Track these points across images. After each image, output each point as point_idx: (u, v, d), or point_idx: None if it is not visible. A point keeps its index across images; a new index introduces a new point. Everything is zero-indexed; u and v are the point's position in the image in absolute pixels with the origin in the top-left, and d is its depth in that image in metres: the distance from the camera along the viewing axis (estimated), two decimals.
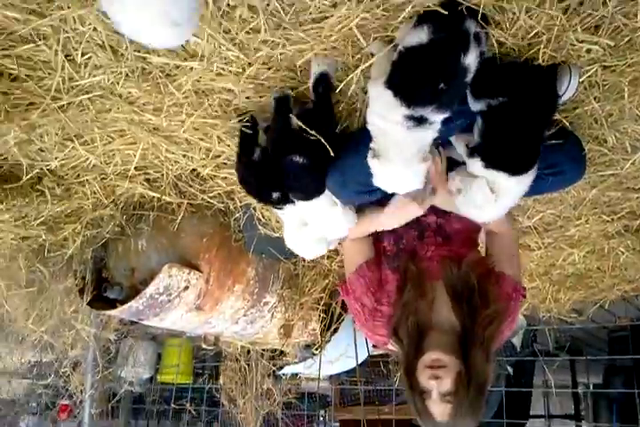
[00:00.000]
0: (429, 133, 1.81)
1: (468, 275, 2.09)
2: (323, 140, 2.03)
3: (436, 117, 1.76)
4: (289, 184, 2.25)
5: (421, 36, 1.66)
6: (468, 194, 1.99)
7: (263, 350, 4.32)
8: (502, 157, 1.89)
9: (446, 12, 1.62)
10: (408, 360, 2.00)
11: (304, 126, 2.03)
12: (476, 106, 1.88)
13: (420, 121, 1.75)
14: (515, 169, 1.89)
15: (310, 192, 2.25)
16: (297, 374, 4.68)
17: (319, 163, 2.13)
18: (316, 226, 2.39)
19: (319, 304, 3.58)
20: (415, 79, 1.71)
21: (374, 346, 3.82)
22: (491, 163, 1.90)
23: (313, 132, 2.02)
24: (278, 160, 2.17)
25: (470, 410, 1.91)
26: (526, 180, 1.92)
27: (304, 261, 3.42)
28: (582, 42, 1.75)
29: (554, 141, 1.98)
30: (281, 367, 4.36)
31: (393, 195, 2.07)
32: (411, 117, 1.74)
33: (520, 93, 1.82)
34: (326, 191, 2.21)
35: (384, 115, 1.80)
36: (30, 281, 3.30)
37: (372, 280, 2.24)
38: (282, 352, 4.24)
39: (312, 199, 2.24)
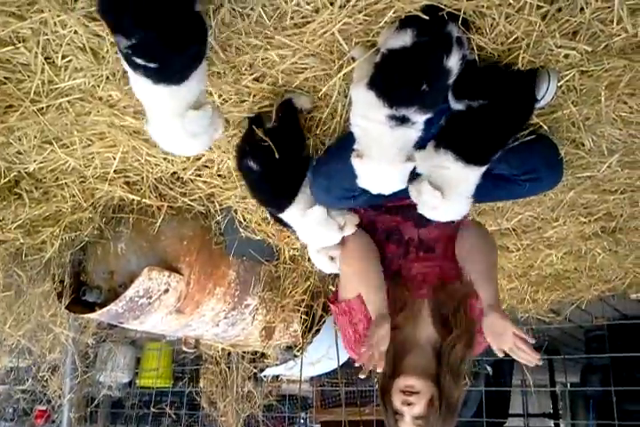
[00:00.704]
0: (412, 133, 1.82)
1: (448, 302, 2.11)
2: (272, 146, 2.11)
3: (419, 118, 1.78)
4: (254, 196, 2.44)
5: (405, 39, 1.68)
6: (421, 199, 2.01)
7: (244, 352, 4.31)
8: (458, 141, 1.90)
9: (428, 17, 1.64)
10: (384, 381, 2.03)
11: (262, 135, 2.12)
12: (456, 106, 1.90)
13: (403, 121, 1.77)
14: (467, 156, 1.90)
15: (274, 202, 2.35)
16: (278, 376, 4.67)
17: (271, 172, 2.20)
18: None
19: (300, 306, 3.58)
20: (398, 80, 1.72)
21: None
22: (443, 142, 1.92)
23: (266, 139, 2.11)
24: (239, 166, 2.29)
25: None
26: (473, 172, 1.93)
27: (285, 263, 3.43)
28: (560, 47, 1.77)
29: (527, 139, 2.03)
30: (262, 370, 4.35)
31: (377, 198, 2.07)
32: (393, 117, 1.76)
33: (500, 97, 1.85)
34: (295, 203, 2.27)
35: (367, 115, 1.81)
36: (7, 285, 3.26)
37: None
38: (263, 354, 4.23)
39: (284, 210, 2.31)
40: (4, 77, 1.97)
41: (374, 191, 2.00)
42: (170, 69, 1.63)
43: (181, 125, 1.81)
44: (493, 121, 1.87)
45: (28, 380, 4.73)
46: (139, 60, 1.57)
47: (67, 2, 1.67)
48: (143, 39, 1.53)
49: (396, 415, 1.97)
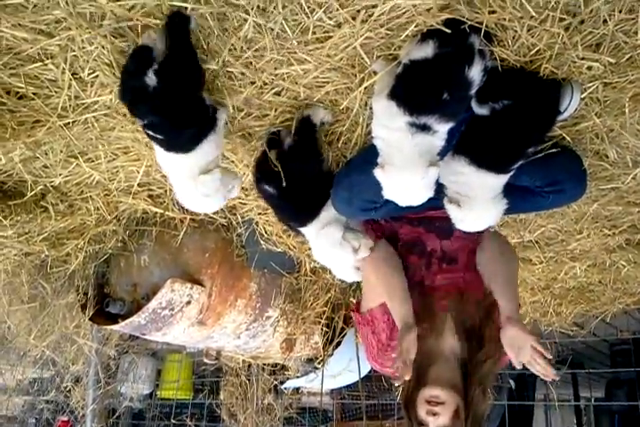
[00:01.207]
0: (434, 140, 1.82)
1: (473, 313, 2.10)
2: (282, 174, 2.19)
3: (440, 127, 1.78)
4: (276, 214, 2.54)
5: (427, 50, 1.69)
6: (451, 215, 2.04)
7: (264, 364, 4.31)
8: (474, 146, 1.91)
9: (449, 31, 1.64)
10: (408, 392, 2.01)
11: (275, 162, 2.21)
12: (479, 111, 1.90)
13: (424, 128, 1.77)
14: (482, 160, 1.90)
15: (295, 218, 2.41)
16: (298, 389, 4.66)
17: (288, 192, 2.25)
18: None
19: (321, 318, 3.57)
20: (419, 89, 1.73)
21: None
22: (460, 148, 1.92)
23: (278, 167, 2.19)
24: (257, 188, 2.39)
25: None
26: (491, 179, 1.93)
27: (306, 275, 3.43)
28: (583, 59, 1.77)
29: (550, 151, 2.02)
30: (282, 382, 4.34)
31: (399, 209, 2.07)
32: (413, 124, 1.76)
33: (524, 98, 1.83)
34: (318, 219, 2.32)
35: (387, 124, 1.82)
36: (32, 296, 3.31)
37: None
38: (283, 367, 4.23)
39: (306, 225, 2.36)
40: (33, 93, 2.01)
41: (402, 204, 1.98)
42: (176, 142, 1.94)
43: (195, 187, 2.08)
44: (514, 124, 1.85)
45: (51, 390, 4.78)
46: (150, 132, 1.88)
47: (94, 19, 1.71)
48: (153, 122, 1.84)
49: None
